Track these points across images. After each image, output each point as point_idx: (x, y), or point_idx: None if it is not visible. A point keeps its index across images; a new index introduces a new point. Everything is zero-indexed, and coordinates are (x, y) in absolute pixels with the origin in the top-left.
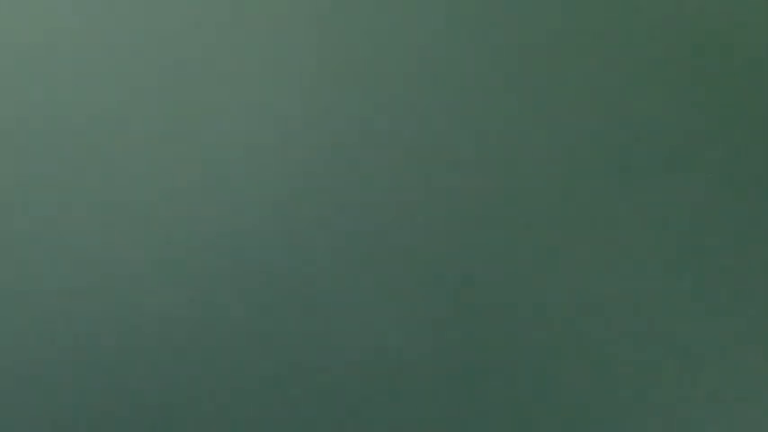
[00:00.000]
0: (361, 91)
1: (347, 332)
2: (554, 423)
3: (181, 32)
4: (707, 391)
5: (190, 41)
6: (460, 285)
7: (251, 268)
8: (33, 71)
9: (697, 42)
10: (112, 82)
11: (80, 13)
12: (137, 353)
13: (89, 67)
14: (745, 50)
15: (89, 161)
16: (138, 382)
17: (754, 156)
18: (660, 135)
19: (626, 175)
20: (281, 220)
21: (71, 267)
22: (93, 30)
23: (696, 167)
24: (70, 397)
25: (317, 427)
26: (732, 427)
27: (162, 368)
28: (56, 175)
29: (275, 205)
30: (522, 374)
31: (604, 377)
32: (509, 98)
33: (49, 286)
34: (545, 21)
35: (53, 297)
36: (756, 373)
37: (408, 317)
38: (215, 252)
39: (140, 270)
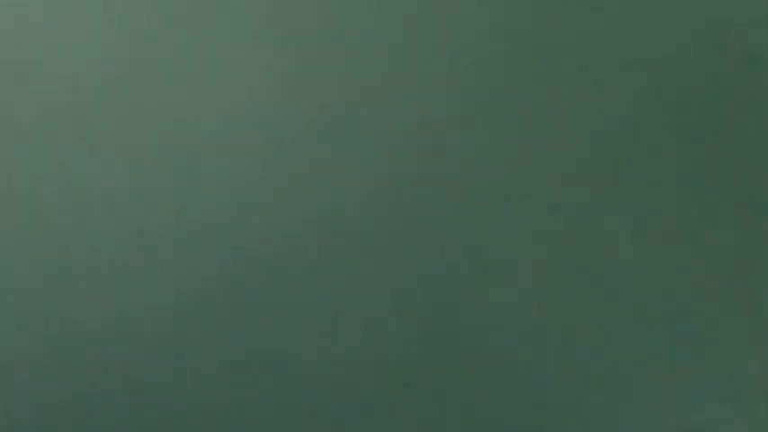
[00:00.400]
0: (355, 88)
1: (340, 331)
2: (553, 423)
3: (163, 30)
4: (707, 390)
5: (176, 36)
6: (457, 285)
7: (232, 263)
8: (29, 69)
9: (696, 42)
10: (92, 75)
11: (77, 13)
12: (112, 344)
13: (72, 66)
14: (744, 50)
15: (70, 152)
16: (115, 372)
17: (754, 155)
18: (660, 134)
19: (626, 174)
20: (271, 218)
21: (45, 255)
22: (89, 28)
23: (696, 167)
24: (55, 392)
25: (295, 415)
26: (732, 426)
27: (136, 359)
28: (34, 167)
29: (266, 205)
30: (521, 374)
31: (604, 377)
32: (508, 97)
33: (21, 272)
34: (543, 19)
35: (28, 286)
36: (756, 372)
37: (397, 313)
38: (194, 245)
39: (117, 261)
